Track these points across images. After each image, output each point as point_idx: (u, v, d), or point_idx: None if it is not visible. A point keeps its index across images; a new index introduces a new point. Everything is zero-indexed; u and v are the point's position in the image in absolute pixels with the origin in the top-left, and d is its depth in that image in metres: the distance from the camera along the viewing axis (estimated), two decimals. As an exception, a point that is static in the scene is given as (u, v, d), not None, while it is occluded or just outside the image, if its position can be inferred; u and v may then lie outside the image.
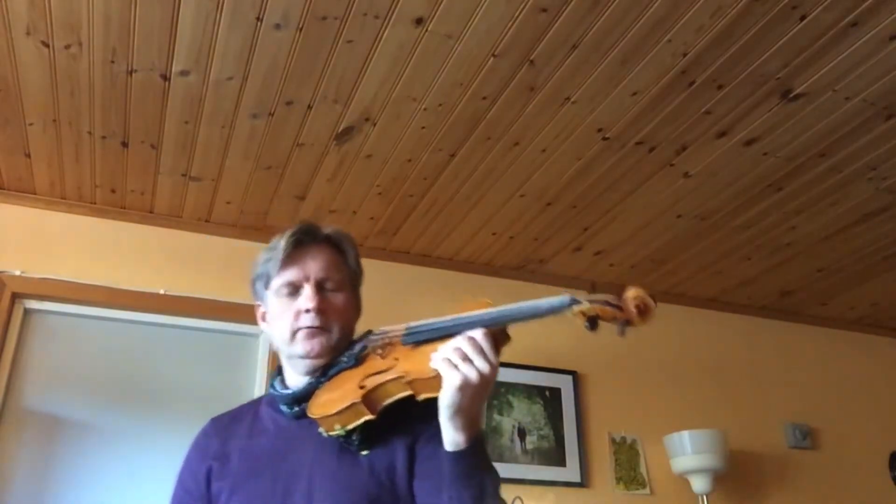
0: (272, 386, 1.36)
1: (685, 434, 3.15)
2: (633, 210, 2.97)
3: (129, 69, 2.22)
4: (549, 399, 3.24)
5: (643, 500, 3.20)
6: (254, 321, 3.11)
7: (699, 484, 3.12)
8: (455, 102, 2.36)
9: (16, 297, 2.73)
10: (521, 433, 3.14)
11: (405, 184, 2.80)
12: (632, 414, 3.34)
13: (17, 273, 2.74)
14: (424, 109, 2.39)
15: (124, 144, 2.57)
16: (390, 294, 2.95)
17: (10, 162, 2.68)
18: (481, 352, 1.08)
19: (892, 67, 2.22)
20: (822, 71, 2.23)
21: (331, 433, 1.18)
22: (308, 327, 1.29)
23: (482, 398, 1.10)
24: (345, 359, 1.28)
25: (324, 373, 1.29)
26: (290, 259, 1.32)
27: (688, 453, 3.12)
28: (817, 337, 3.91)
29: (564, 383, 3.29)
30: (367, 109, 2.39)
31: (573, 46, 2.13)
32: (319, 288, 1.31)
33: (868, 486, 3.58)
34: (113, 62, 2.19)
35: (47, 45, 2.13)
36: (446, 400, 1.08)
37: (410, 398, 1.15)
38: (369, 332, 1.32)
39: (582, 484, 3.13)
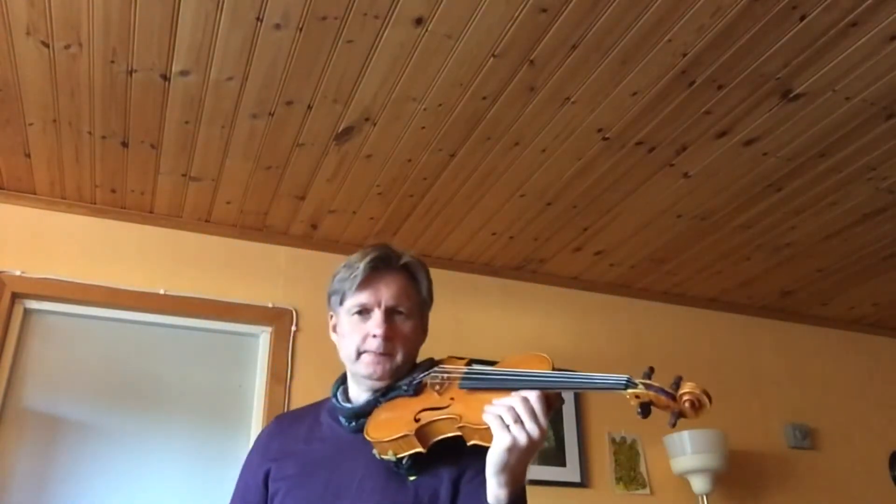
0: (335, 396, 1.42)
1: (685, 434, 3.15)
2: (633, 210, 2.97)
3: (129, 69, 2.22)
4: (549, 399, 3.23)
5: (643, 500, 3.20)
6: (254, 321, 3.14)
7: (699, 484, 3.12)
8: (455, 102, 2.36)
9: (16, 297, 2.73)
10: (521, 433, 3.13)
11: (405, 184, 2.80)
12: (632, 414, 3.30)
13: (17, 273, 2.74)
14: (424, 109, 2.39)
15: (124, 144, 2.57)
16: (390, 294, 2.95)
17: (10, 162, 2.68)
18: (533, 415, 1.10)
19: (892, 67, 2.22)
20: (822, 71, 2.23)
21: (383, 457, 1.24)
22: (374, 351, 1.34)
23: (529, 458, 1.12)
24: (404, 386, 1.33)
25: (384, 394, 1.35)
26: (365, 282, 1.37)
27: (688, 453, 3.12)
28: (817, 337, 3.91)
29: (564, 383, 3.28)
30: (367, 109, 2.39)
31: (573, 46, 2.13)
32: (389, 314, 1.36)
33: (868, 486, 3.58)
34: (113, 62, 2.19)
35: (47, 45, 2.13)
36: (494, 458, 1.11)
37: (459, 438, 1.19)
38: (431, 361, 1.38)
39: (582, 484, 3.13)
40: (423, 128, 2.48)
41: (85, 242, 2.89)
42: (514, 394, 1.13)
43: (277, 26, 2.05)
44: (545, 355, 1.21)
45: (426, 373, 1.33)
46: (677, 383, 1.08)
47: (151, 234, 2.99)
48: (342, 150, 2.60)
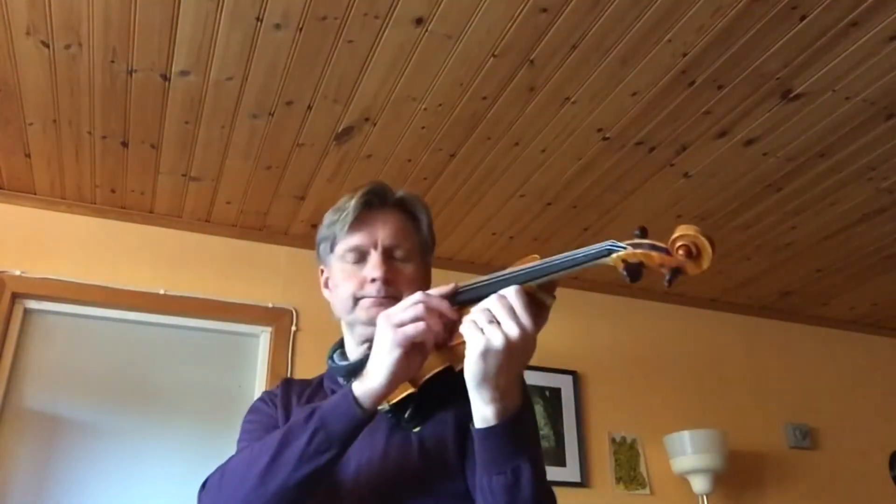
0: (330, 358, 1.28)
1: (685, 434, 3.15)
2: (633, 210, 2.97)
3: (129, 69, 2.22)
4: (549, 399, 3.24)
5: (643, 500, 3.20)
6: (254, 321, 3.13)
7: (699, 484, 3.12)
8: (455, 102, 2.36)
9: (16, 297, 2.73)
10: (521, 433, 3.14)
11: (405, 184, 2.79)
12: (632, 414, 3.34)
13: (17, 273, 2.74)
14: (424, 109, 2.39)
15: (124, 144, 2.57)
16: (390, 294, 2.95)
17: (10, 162, 2.68)
18: (511, 312, 0.94)
19: (892, 67, 2.22)
20: (822, 71, 2.23)
21: (378, 408, 1.09)
22: (374, 297, 1.18)
23: (514, 366, 0.94)
24: None
25: None
26: (358, 222, 1.20)
27: (688, 453, 3.12)
28: (817, 337, 3.91)
29: (564, 383, 3.29)
30: (367, 109, 2.39)
31: (573, 46, 2.13)
32: (388, 256, 1.20)
33: (868, 486, 3.58)
34: (113, 62, 2.19)
35: (47, 45, 2.13)
36: (469, 369, 0.94)
37: (451, 370, 1.03)
38: None
39: (582, 484, 3.13)
40: (423, 128, 2.48)
41: (85, 242, 2.89)
42: (492, 295, 0.97)
43: (277, 26, 2.05)
44: (535, 255, 1.06)
45: None
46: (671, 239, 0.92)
47: (151, 234, 2.98)
48: (342, 150, 2.60)
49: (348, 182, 2.77)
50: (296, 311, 3.01)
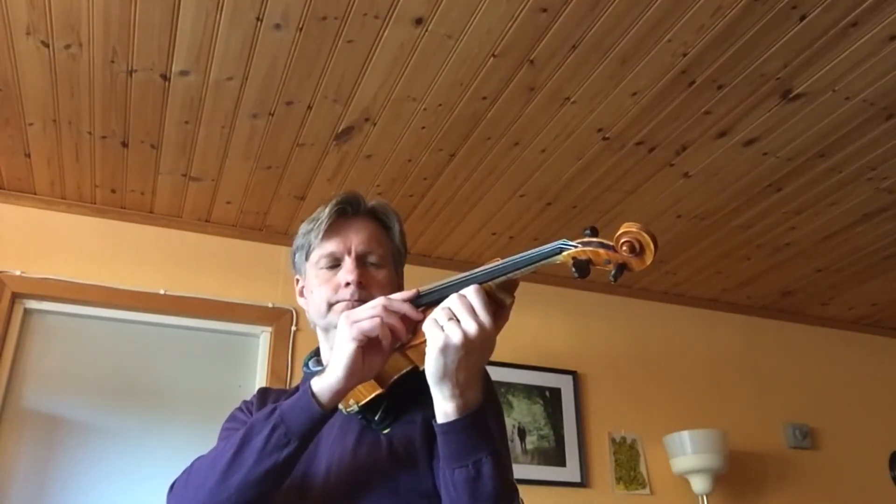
0: (306, 365, 1.33)
1: (685, 434, 3.15)
2: (633, 210, 2.97)
3: (129, 69, 2.22)
4: (549, 399, 3.24)
5: (643, 500, 3.20)
6: (254, 321, 3.13)
7: (699, 484, 3.12)
8: (455, 102, 2.36)
9: (16, 297, 2.73)
10: (521, 433, 3.14)
11: (405, 184, 2.80)
12: (632, 414, 3.34)
13: (17, 273, 2.74)
14: (424, 109, 2.39)
15: (124, 144, 2.57)
16: (390, 294, 2.95)
17: (10, 162, 2.68)
18: (469, 309, 0.98)
19: (892, 67, 2.22)
20: (822, 71, 2.23)
21: (348, 410, 1.13)
22: (347, 300, 1.22)
23: (473, 362, 0.98)
24: None
25: None
26: (331, 230, 1.26)
27: (688, 453, 3.12)
28: (817, 337, 3.91)
29: (564, 383, 3.29)
30: (367, 109, 2.39)
31: (573, 46, 2.13)
32: (361, 261, 1.25)
33: (868, 486, 3.58)
34: (113, 62, 2.19)
35: (47, 45, 2.13)
36: (429, 364, 0.98)
37: (417, 370, 1.07)
38: None
39: (582, 484, 3.13)
40: (423, 128, 2.48)
41: (85, 242, 2.89)
42: (452, 295, 1.01)
43: (277, 26, 2.05)
44: (497, 258, 1.12)
45: None
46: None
47: (151, 234, 2.98)
48: (342, 150, 2.60)
49: (348, 182, 2.77)
50: (296, 311, 3.01)
